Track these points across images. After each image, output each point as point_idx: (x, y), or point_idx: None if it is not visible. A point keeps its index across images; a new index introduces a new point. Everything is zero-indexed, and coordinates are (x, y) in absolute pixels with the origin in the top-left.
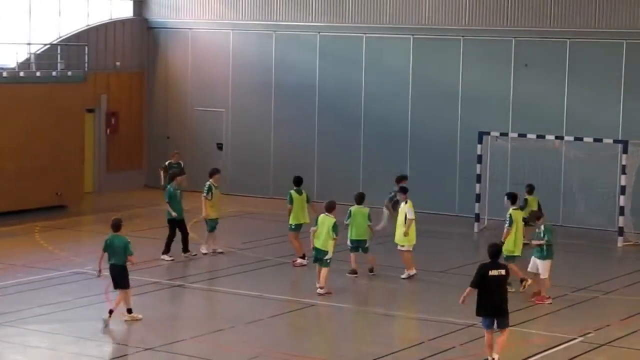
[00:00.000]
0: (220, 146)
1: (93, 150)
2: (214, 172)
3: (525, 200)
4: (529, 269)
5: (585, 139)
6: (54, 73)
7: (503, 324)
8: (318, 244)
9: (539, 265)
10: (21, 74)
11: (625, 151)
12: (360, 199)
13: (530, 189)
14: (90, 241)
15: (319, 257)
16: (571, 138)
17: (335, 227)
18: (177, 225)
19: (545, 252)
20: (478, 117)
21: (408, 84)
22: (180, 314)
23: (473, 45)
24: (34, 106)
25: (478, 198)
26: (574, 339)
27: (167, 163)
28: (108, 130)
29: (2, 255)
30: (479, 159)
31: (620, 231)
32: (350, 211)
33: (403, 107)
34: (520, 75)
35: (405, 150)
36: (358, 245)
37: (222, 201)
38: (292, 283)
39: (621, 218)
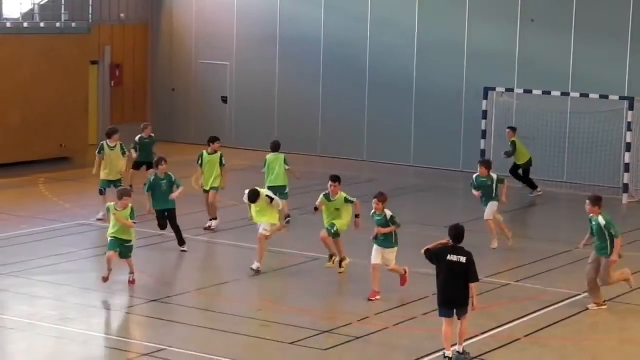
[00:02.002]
0: (225, 99)
1: (97, 103)
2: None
3: (513, 143)
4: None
5: (591, 96)
6: (57, 24)
7: (462, 313)
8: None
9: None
10: (25, 25)
11: (631, 108)
12: (275, 147)
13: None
14: (94, 193)
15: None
16: (577, 94)
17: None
18: (166, 218)
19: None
20: (483, 73)
21: (414, 39)
22: (185, 266)
23: (479, 0)
24: (38, 58)
25: (483, 154)
26: (578, 294)
27: (137, 138)
28: (112, 83)
29: (6, 207)
30: (484, 114)
31: (625, 188)
32: (266, 159)
33: (408, 62)
34: (526, 30)
35: (410, 105)
36: (276, 192)
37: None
38: (296, 237)
39: (626, 175)
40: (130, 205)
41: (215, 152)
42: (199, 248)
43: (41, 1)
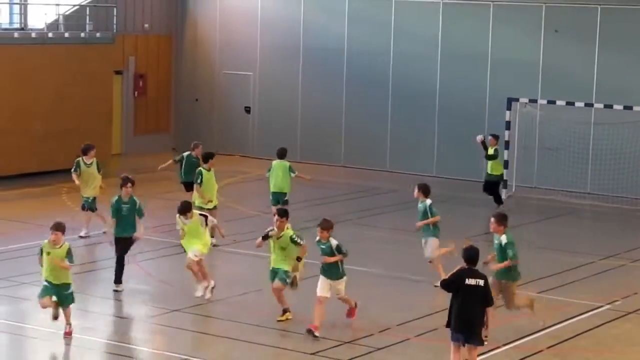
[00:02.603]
0: (248, 110)
1: (120, 113)
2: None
3: (496, 151)
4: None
5: (615, 107)
6: (82, 34)
7: (472, 341)
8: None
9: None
10: (50, 35)
11: None
12: (281, 154)
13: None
14: None
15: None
16: (601, 105)
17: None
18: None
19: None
20: (507, 83)
21: (437, 49)
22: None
23: (503, 11)
24: (62, 68)
25: (506, 164)
26: (601, 306)
27: (186, 155)
28: (136, 93)
29: (29, 216)
30: (508, 125)
31: None
32: (271, 165)
33: (432, 72)
34: (550, 41)
35: (433, 115)
36: (278, 198)
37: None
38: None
39: None
40: (66, 243)
41: (210, 169)
42: (220, 258)
43: (66, 11)
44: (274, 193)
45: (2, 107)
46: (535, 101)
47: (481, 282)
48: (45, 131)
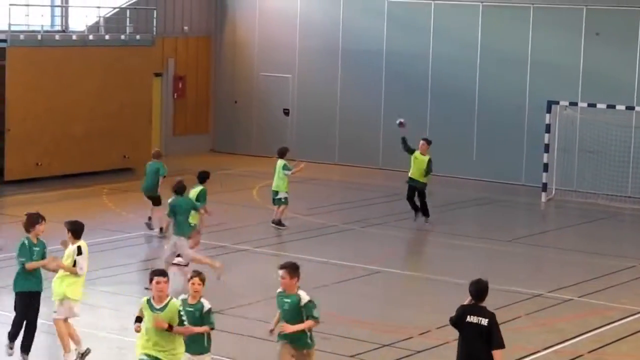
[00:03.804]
0: (286, 112)
1: (160, 114)
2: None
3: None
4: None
5: None
6: (122, 37)
7: None
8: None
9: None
10: (90, 37)
11: None
12: (279, 153)
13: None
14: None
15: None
16: None
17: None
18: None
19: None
20: (547, 85)
21: (476, 51)
22: (245, 278)
23: (543, 13)
24: (103, 70)
25: (546, 167)
26: None
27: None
28: (175, 94)
29: (70, 217)
30: (547, 128)
31: None
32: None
33: (471, 74)
34: (590, 44)
35: (472, 117)
36: (273, 197)
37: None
38: (357, 250)
39: None
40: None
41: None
42: (259, 260)
43: (107, 14)
44: (273, 191)
45: (44, 109)
46: (575, 104)
47: (484, 322)
48: (86, 133)
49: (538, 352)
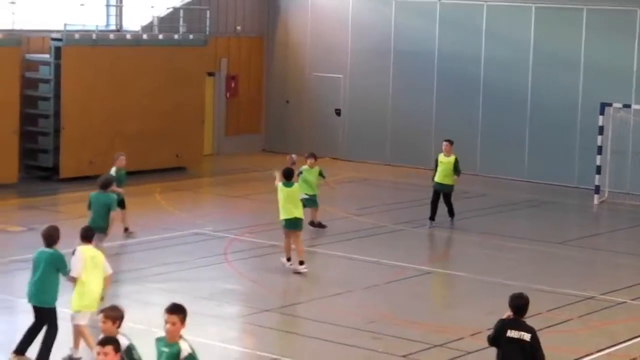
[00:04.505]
0: (338, 112)
1: (212, 114)
2: None
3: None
4: None
5: None
6: (176, 36)
7: None
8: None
9: None
10: (144, 37)
11: None
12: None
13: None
14: (209, 203)
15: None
16: None
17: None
18: None
19: None
20: (600, 87)
21: (529, 53)
22: (297, 277)
23: (596, 15)
24: (156, 69)
25: (598, 170)
26: None
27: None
28: (228, 94)
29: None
30: (600, 130)
31: None
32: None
33: (523, 76)
34: None
35: (525, 119)
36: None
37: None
38: (408, 250)
39: None
40: None
41: None
42: (310, 259)
43: (160, 14)
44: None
45: (98, 107)
46: (628, 106)
47: (526, 337)
48: (139, 131)
49: (590, 354)
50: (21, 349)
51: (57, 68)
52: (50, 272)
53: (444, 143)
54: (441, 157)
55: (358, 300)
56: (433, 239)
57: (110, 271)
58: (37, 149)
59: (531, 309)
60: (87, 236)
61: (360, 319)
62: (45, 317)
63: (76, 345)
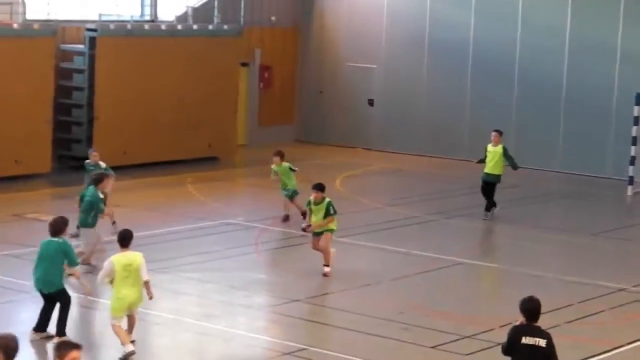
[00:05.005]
0: (371, 102)
1: (246, 104)
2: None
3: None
4: None
5: None
6: (210, 27)
7: None
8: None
9: None
10: (179, 27)
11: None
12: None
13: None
14: (241, 193)
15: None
16: None
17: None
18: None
19: None
20: (636, 78)
21: (565, 41)
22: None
23: (634, 3)
24: (191, 59)
25: (633, 161)
26: None
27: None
28: (261, 84)
29: (156, 204)
30: (636, 120)
31: None
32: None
33: (559, 65)
34: None
35: (559, 108)
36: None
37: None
38: (439, 241)
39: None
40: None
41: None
42: (341, 250)
43: (195, 4)
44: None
45: (131, 98)
46: None
47: (542, 342)
48: (172, 121)
49: (621, 346)
50: (41, 327)
51: (92, 58)
52: (60, 261)
53: (493, 133)
54: (489, 147)
55: (388, 291)
56: (465, 230)
57: (145, 278)
58: (70, 138)
59: (563, 300)
60: (125, 240)
61: (390, 309)
62: (57, 298)
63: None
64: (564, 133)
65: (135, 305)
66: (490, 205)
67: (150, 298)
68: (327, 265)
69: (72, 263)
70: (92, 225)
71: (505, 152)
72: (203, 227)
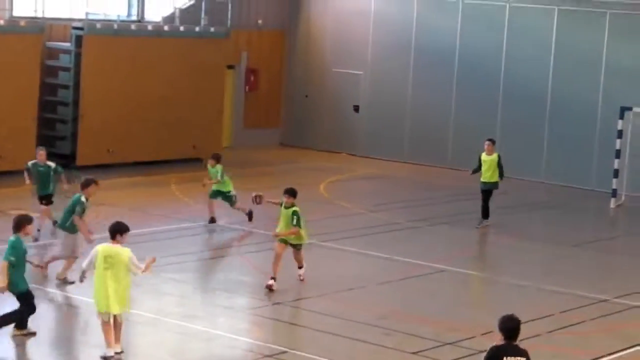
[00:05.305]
0: (356, 108)
1: (231, 106)
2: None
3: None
4: None
5: None
6: (197, 28)
7: None
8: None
9: None
10: (165, 28)
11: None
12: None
13: None
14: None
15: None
16: None
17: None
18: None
19: None
20: (621, 91)
21: (550, 54)
22: (309, 271)
23: (619, 19)
24: (177, 60)
25: (616, 173)
26: None
27: (31, 164)
28: (247, 87)
29: (139, 204)
30: (620, 134)
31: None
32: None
33: (544, 76)
34: None
35: (544, 119)
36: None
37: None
38: (423, 247)
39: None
40: None
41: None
42: (324, 254)
43: (182, 5)
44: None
45: (117, 97)
46: None
47: None
48: (157, 122)
49: (602, 357)
50: (20, 325)
51: (78, 56)
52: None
53: (486, 142)
54: (484, 156)
55: (370, 296)
56: (448, 237)
57: (138, 270)
58: (55, 136)
59: (544, 310)
60: (112, 232)
61: (372, 314)
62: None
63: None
64: (549, 143)
65: (115, 305)
66: (485, 213)
67: (143, 271)
68: (301, 267)
69: (5, 257)
70: (70, 230)
71: (499, 161)
72: (186, 228)
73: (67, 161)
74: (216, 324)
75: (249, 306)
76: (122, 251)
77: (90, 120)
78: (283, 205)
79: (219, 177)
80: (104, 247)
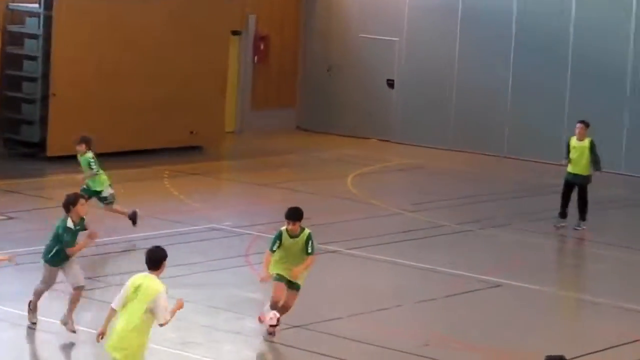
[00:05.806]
0: (391, 83)
1: (237, 82)
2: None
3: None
4: None
5: None
6: None
7: None
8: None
9: None
10: None
11: None
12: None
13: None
14: (229, 191)
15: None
16: None
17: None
18: None
19: None
20: None
21: (630, 19)
22: (336, 286)
23: None
24: (168, 26)
25: None
26: None
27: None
28: (256, 58)
29: (125, 203)
30: None
31: None
32: None
33: (623, 45)
34: None
35: (622, 101)
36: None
37: None
38: (472, 256)
39: None
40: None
41: None
42: (351, 265)
43: None
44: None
45: (96, 71)
46: None
47: None
48: (145, 102)
49: (579, 357)
50: None
51: (48, 21)
52: None
53: (578, 125)
54: (573, 142)
55: (409, 318)
56: (505, 243)
57: (161, 321)
58: (20, 119)
59: (626, 334)
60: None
61: (411, 340)
62: None
63: None
64: (630, 129)
65: (114, 343)
66: (581, 212)
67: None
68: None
69: None
70: (49, 262)
71: (592, 148)
72: (182, 233)
73: (35, 150)
74: (219, 353)
75: (260, 330)
76: (156, 285)
77: (64, 100)
78: (285, 235)
79: (93, 169)
80: (139, 277)
